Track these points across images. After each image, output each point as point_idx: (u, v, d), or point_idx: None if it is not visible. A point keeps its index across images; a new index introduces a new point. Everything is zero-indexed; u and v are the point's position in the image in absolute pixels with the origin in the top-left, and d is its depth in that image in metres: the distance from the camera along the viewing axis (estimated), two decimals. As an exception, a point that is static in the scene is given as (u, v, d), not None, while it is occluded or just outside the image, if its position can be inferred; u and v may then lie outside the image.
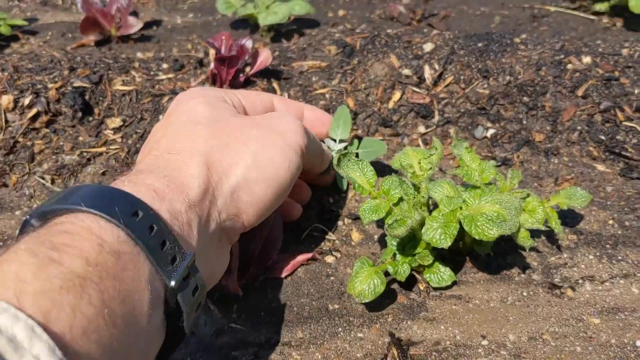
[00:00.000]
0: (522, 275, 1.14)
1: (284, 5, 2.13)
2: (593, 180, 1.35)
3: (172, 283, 0.69)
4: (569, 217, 1.26)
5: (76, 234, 0.62)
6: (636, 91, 1.49)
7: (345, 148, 1.35)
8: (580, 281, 1.12)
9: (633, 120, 1.44)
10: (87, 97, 1.54)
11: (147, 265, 0.67)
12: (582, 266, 1.16)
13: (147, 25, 2.34)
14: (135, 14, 2.45)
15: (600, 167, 1.38)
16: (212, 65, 1.60)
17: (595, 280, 1.13)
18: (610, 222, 1.25)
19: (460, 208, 1.02)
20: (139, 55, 2.03)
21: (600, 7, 2.24)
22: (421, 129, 1.50)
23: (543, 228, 1.07)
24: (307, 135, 1.04)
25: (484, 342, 1.02)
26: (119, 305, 0.60)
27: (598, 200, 1.30)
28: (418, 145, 1.47)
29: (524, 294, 1.10)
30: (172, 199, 0.76)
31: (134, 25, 2.21)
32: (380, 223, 1.26)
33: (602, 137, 1.42)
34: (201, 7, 2.52)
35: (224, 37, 1.66)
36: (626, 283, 1.12)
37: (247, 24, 2.27)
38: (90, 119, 1.52)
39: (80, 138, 1.48)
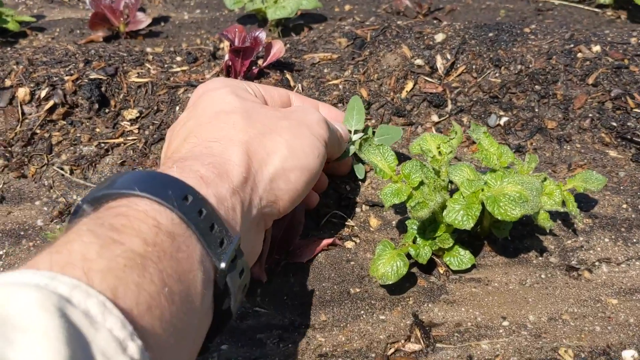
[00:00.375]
0: (540, 258, 1.16)
1: (292, 0, 2.14)
2: (605, 166, 1.37)
3: (222, 265, 0.71)
4: (584, 202, 1.28)
5: (132, 216, 0.64)
6: (646, 79, 1.51)
7: (363, 137, 1.37)
8: (597, 263, 1.14)
9: (644, 107, 1.46)
10: (103, 89, 1.55)
11: (199, 247, 0.69)
12: (598, 249, 1.17)
13: (155, 21, 2.36)
14: (142, 9, 2.46)
15: (613, 153, 1.40)
16: (226, 57, 1.62)
17: (612, 262, 1.15)
18: (624, 206, 1.27)
19: (482, 190, 1.03)
20: (149, 50, 2.04)
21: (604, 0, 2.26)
22: (434, 117, 1.52)
23: (562, 210, 1.09)
24: (328, 127, 1.07)
25: (505, 323, 1.04)
26: (176, 284, 0.62)
27: (611, 185, 1.32)
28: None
29: (542, 276, 1.12)
30: (217, 184, 0.78)
31: (143, 21, 2.23)
32: (398, 209, 1.28)
33: (614, 124, 1.44)
34: (208, 2, 2.54)
35: (237, 29, 1.68)
36: (642, 265, 1.14)
37: (254, 19, 2.29)
38: (107, 110, 1.54)
39: (97, 129, 1.50)
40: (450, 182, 1.11)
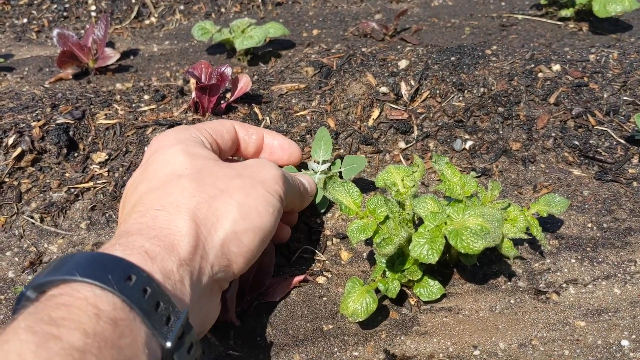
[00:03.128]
0: (508, 283, 1.18)
1: (259, 28, 2.16)
2: (570, 185, 1.40)
3: (168, 344, 0.71)
4: (550, 223, 1.30)
5: (73, 305, 0.64)
6: (605, 95, 1.55)
7: (329, 169, 1.38)
8: (564, 285, 1.16)
9: (604, 124, 1.49)
10: (71, 133, 1.56)
11: (143, 328, 0.69)
12: (565, 270, 1.20)
13: (124, 55, 2.36)
14: (111, 44, 2.47)
15: (576, 171, 1.43)
16: (193, 94, 1.63)
17: (579, 283, 1.17)
18: (589, 225, 1.30)
19: (445, 223, 1.05)
20: (119, 86, 2.04)
21: (566, 12, 2.31)
22: (401, 144, 1.54)
23: (525, 237, 1.11)
24: (286, 181, 1.07)
25: (476, 352, 1.05)
26: None
27: (576, 205, 1.35)
28: (399, 161, 1.50)
29: (511, 301, 1.14)
30: (163, 258, 0.78)
31: (111, 57, 2.23)
32: (368, 241, 1.29)
33: (576, 142, 1.47)
34: (177, 34, 2.55)
35: (203, 66, 1.69)
36: (608, 284, 1.16)
37: (223, 49, 2.30)
38: (76, 154, 1.54)
39: (67, 174, 1.50)
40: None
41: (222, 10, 2.69)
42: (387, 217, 1.11)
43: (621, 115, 1.51)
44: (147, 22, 2.65)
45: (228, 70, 1.66)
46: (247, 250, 0.93)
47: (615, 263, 1.21)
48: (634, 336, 1.06)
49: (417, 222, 1.14)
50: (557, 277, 1.18)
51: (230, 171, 0.99)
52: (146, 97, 1.75)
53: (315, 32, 2.44)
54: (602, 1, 2.14)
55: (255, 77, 1.86)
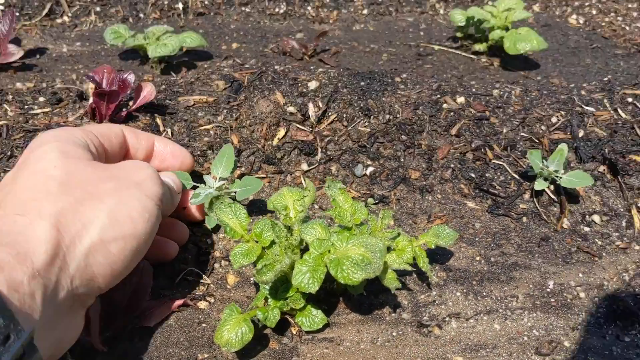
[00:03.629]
0: (393, 314, 1.17)
1: (175, 37, 2.10)
2: (463, 217, 1.41)
3: None
4: (440, 254, 1.31)
5: None
6: (504, 130, 1.59)
7: (227, 187, 1.34)
8: (447, 319, 1.17)
9: (501, 159, 1.53)
10: (-52, 133, 1.44)
11: None
12: (450, 303, 1.20)
13: (30, 53, 2.23)
14: (17, 40, 2.33)
15: (471, 204, 1.45)
16: (91, 99, 1.55)
17: (461, 317, 1.17)
18: (478, 258, 1.31)
19: (329, 251, 1.03)
20: (19, 85, 1.92)
21: (479, 47, 2.38)
22: (304, 166, 1.52)
23: (410, 268, 1.11)
24: (162, 183, 1.02)
25: (353, 385, 1.03)
26: None
27: (467, 237, 1.36)
28: (300, 183, 1.48)
29: (394, 334, 1.13)
30: (13, 268, 0.71)
31: (14, 54, 2.10)
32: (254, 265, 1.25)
33: (473, 175, 1.49)
34: (90, 35, 2.44)
35: (105, 70, 1.61)
36: (489, 319, 1.17)
37: (137, 55, 2.22)
38: (-48, 156, 1.42)
39: (-61, 177, 1.38)
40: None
41: (141, 15, 2.61)
42: (273, 242, 1.08)
43: (517, 151, 1.56)
44: (59, 20, 2.53)
45: (131, 77, 1.59)
46: (116, 261, 0.86)
47: (499, 298, 1.22)
48: (508, 372, 1.07)
49: (304, 248, 1.11)
50: (441, 309, 1.18)
51: (102, 173, 0.92)
52: (41, 99, 1.65)
53: (234, 45, 2.40)
54: (512, 39, 2.21)
55: (164, 86, 1.79)
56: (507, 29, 2.30)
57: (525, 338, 1.13)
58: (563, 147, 1.44)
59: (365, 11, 2.74)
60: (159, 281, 1.17)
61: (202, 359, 1.05)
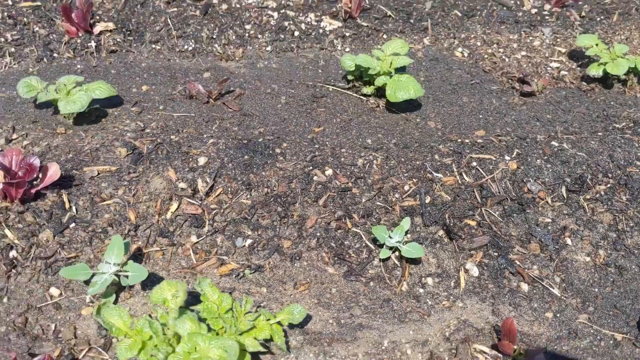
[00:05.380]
0: (255, 380, 1.48)
1: (84, 92, 2.27)
2: (323, 282, 1.73)
3: None
4: (301, 319, 1.62)
5: None
6: (363, 200, 1.90)
7: (121, 269, 1.59)
8: (298, 380, 1.49)
9: (358, 227, 1.84)
10: None
11: None
12: (303, 365, 1.52)
13: (-57, 103, 2.36)
14: None
15: (330, 270, 1.76)
16: (0, 186, 1.75)
17: (309, 378, 1.50)
18: (331, 321, 1.64)
19: (195, 348, 1.32)
20: None
21: (367, 90, 2.66)
22: (193, 238, 1.79)
23: (262, 349, 1.41)
24: None
25: None
26: None
27: (324, 301, 1.68)
28: (189, 255, 1.75)
29: (253, 398, 1.44)
30: None
31: None
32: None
33: (333, 244, 1.80)
34: (5, 79, 2.57)
35: (14, 153, 1.81)
36: (331, 378, 1.50)
37: (50, 104, 2.38)
38: None
39: None
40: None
41: (55, 55, 2.75)
42: (151, 337, 1.36)
43: (374, 218, 1.87)
44: (-29, 63, 2.64)
45: (36, 162, 1.80)
46: None
47: (344, 356, 1.55)
48: None
49: (179, 339, 1.40)
50: (294, 372, 1.51)
51: None
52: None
53: (144, 88, 2.58)
54: (393, 88, 2.50)
55: (71, 154, 2.00)
56: (390, 75, 2.58)
57: (357, 394, 1.47)
58: (405, 222, 1.76)
59: (269, 48, 2.97)
60: None
61: None
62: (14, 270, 1.66)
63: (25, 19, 2.89)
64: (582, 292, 1.81)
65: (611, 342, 1.69)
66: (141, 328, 1.36)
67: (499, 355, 1.59)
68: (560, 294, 1.78)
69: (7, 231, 1.70)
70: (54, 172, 1.83)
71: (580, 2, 3.39)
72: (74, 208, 1.80)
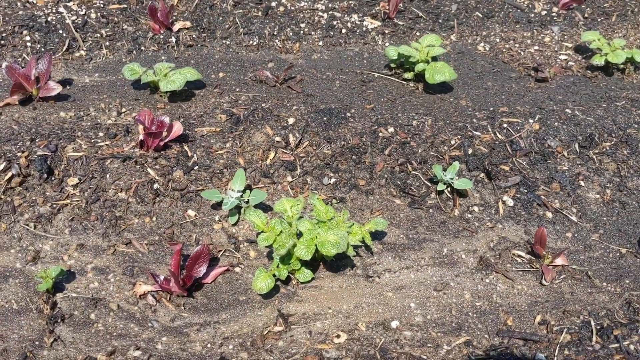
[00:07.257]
0: (351, 271, 1.97)
1: (179, 74, 2.78)
2: (393, 210, 2.22)
3: None
4: (379, 234, 2.11)
5: None
6: (420, 150, 2.40)
7: (242, 196, 2.08)
8: (383, 272, 1.97)
9: (417, 170, 2.34)
10: (49, 162, 2.12)
11: None
12: (385, 263, 2.01)
13: (61, 83, 2.86)
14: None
15: (397, 201, 2.26)
16: (140, 136, 2.25)
17: (391, 271, 1.98)
18: (402, 236, 2.12)
19: (316, 237, 1.81)
20: (62, 114, 2.58)
21: (407, 75, 3.18)
22: (289, 178, 2.28)
23: (360, 244, 1.90)
24: None
25: (330, 311, 1.83)
26: None
27: (395, 223, 2.17)
28: (287, 190, 2.25)
29: (352, 282, 1.93)
30: None
31: (54, 89, 2.74)
32: (268, 246, 2.02)
33: (399, 182, 2.30)
34: (105, 67, 3.08)
35: (147, 114, 2.31)
36: (408, 273, 1.99)
37: (146, 85, 2.88)
38: (53, 178, 2.11)
39: (47, 193, 2.07)
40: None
41: (142, 48, 3.27)
42: (281, 232, 1.85)
43: (428, 164, 2.37)
44: (77, 54, 3.16)
45: (166, 119, 2.30)
46: None
47: (414, 259, 2.04)
48: (417, 301, 1.89)
49: (299, 234, 1.89)
50: (379, 267, 1.99)
51: None
52: (101, 134, 2.34)
53: (221, 74, 3.09)
54: (431, 72, 3.01)
55: (181, 119, 2.50)
56: (428, 62, 3.09)
57: (428, 282, 1.96)
58: (456, 164, 2.26)
59: (320, 43, 3.49)
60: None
61: (242, 299, 1.82)
62: (157, 198, 2.15)
63: (115, 18, 3.41)
64: (594, 220, 2.30)
65: (617, 254, 2.18)
66: (273, 225, 1.85)
67: (532, 258, 2.08)
68: (577, 220, 2.28)
69: (149, 169, 2.20)
70: (177, 128, 2.33)
71: (583, 6, 3.92)
72: (195, 156, 2.30)
